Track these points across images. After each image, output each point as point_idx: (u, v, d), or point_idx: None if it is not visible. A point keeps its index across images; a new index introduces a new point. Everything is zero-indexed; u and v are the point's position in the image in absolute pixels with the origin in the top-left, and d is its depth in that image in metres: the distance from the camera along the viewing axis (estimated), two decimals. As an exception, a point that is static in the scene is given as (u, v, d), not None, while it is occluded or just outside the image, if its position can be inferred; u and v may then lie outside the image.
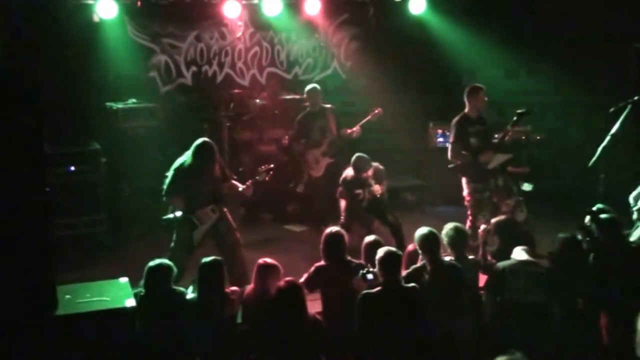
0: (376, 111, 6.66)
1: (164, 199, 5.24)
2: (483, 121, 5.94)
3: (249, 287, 4.42)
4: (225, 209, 5.35)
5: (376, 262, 4.19)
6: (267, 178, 5.26)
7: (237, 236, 5.36)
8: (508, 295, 4.32)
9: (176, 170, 5.18)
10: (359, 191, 5.95)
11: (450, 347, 4.28)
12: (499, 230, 4.88)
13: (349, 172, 6.04)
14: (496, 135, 5.96)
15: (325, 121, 6.73)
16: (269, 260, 4.39)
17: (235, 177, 5.57)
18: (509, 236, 4.80)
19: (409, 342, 4.06)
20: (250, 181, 5.37)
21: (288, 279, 4.16)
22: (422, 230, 4.44)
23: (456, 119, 5.93)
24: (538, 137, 6.96)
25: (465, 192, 5.93)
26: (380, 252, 4.19)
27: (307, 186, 7.00)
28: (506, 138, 5.78)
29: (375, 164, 6.04)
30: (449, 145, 5.95)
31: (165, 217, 5.20)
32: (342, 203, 6.19)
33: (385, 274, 4.13)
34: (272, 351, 4.03)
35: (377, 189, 5.87)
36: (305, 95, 6.93)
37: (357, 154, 6.01)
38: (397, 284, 4.14)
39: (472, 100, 5.87)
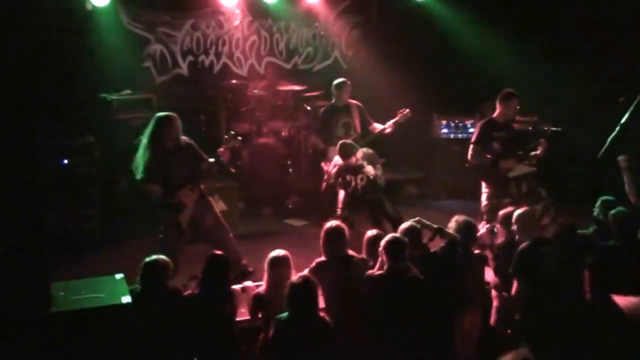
0: (405, 112, 6.32)
1: (141, 188, 5.16)
2: (511, 129, 5.85)
3: (263, 286, 4.33)
4: (210, 199, 5.31)
5: (381, 247, 4.16)
6: (236, 144, 5.19)
7: (224, 225, 5.33)
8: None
9: (141, 156, 5.11)
10: (350, 177, 5.77)
11: (449, 343, 4.27)
12: (505, 223, 4.77)
13: (338, 161, 5.88)
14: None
15: (351, 118, 6.47)
16: (280, 252, 4.30)
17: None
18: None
19: (407, 333, 4.04)
20: (221, 149, 5.23)
21: (302, 274, 4.05)
22: (389, 236, 4.32)
23: (482, 121, 5.88)
24: (545, 128, 6.86)
25: (483, 196, 5.81)
26: (387, 238, 4.18)
27: (314, 181, 6.79)
28: (536, 151, 5.65)
29: (363, 149, 5.89)
30: (470, 146, 5.85)
31: (154, 206, 5.15)
32: (341, 194, 6.03)
33: (390, 261, 4.11)
34: (277, 348, 3.91)
35: (369, 169, 5.71)
36: (333, 90, 6.57)
37: (340, 141, 5.87)
38: (401, 271, 4.11)
39: (502, 106, 5.78)
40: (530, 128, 6.83)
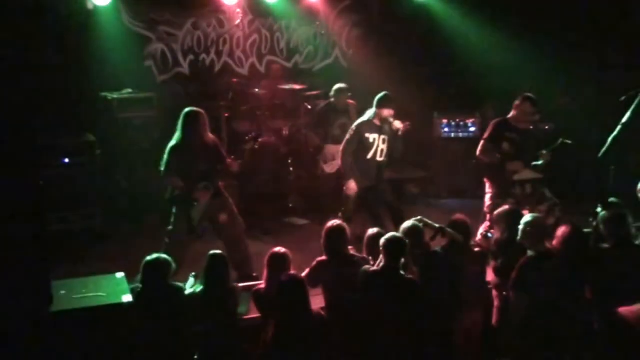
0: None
1: (162, 180, 5.18)
2: (521, 132, 5.78)
3: (262, 282, 4.35)
4: (227, 197, 5.32)
5: (381, 244, 4.15)
6: (255, 146, 5.19)
7: (239, 224, 5.33)
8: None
9: (170, 148, 5.14)
10: (373, 137, 5.67)
11: (446, 344, 4.26)
12: (499, 223, 4.67)
13: (364, 118, 5.81)
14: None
15: (348, 119, 6.46)
16: (280, 250, 4.33)
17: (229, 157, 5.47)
18: (512, 227, 4.56)
19: (402, 332, 4.04)
20: (232, 157, 5.25)
21: (290, 273, 4.07)
22: (390, 234, 4.29)
23: (496, 120, 5.85)
24: (546, 127, 6.86)
25: (487, 196, 5.79)
26: (388, 236, 4.18)
27: (315, 180, 6.81)
28: (538, 162, 5.64)
29: None
30: (481, 142, 5.81)
31: (167, 196, 5.19)
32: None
33: (387, 259, 4.11)
34: (275, 347, 3.93)
35: (397, 124, 5.66)
36: (332, 94, 6.64)
37: (384, 92, 5.79)
38: (396, 271, 4.11)
39: (519, 108, 5.75)
40: (531, 127, 6.81)
